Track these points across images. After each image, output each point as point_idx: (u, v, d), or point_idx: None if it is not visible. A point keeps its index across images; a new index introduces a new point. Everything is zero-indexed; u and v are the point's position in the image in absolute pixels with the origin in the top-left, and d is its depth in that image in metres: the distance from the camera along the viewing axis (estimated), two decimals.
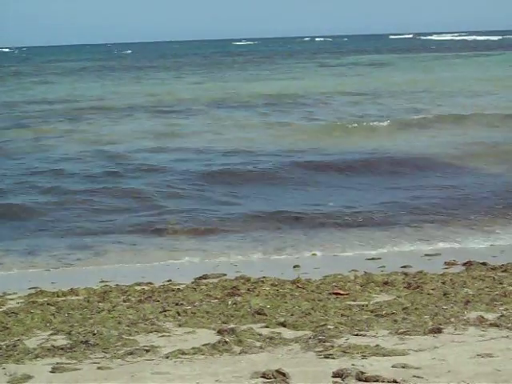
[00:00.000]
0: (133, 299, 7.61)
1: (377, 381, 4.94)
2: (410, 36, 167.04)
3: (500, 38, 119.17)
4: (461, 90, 31.85)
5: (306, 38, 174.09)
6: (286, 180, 15.36)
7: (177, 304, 7.29)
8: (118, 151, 19.04)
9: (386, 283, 7.97)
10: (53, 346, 5.98)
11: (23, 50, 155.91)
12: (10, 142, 21.03)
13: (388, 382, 4.92)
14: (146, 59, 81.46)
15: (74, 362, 5.62)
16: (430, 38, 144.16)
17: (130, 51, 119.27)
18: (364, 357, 5.48)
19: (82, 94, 35.28)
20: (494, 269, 8.58)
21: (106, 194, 14.24)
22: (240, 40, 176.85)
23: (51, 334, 6.39)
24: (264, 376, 5.09)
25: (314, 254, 9.97)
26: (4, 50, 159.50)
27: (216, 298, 7.51)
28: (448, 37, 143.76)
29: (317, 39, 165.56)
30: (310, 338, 6.05)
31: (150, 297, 7.66)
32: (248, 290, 7.81)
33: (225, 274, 8.80)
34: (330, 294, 7.58)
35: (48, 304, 7.47)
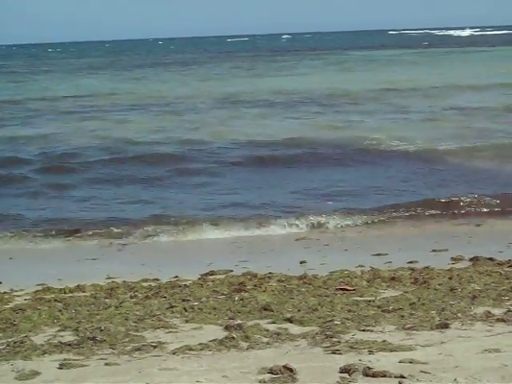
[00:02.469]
0: (140, 295, 7.62)
1: (384, 376, 4.94)
2: (423, 32, 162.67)
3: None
4: None
5: (307, 35, 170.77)
6: None
7: (184, 300, 7.30)
8: None
9: (392, 279, 7.96)
10: (60, 343, 6.00)
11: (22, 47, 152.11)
12: None
13: (395, 377, 4.92)
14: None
15: (82, 358, 5.63)
16: (446, 33, 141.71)
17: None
18: (371, 352, 5.48)
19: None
20: (500, 264, 8.56)
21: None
22: (231, 37, 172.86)
23: (58, 331, 6.40)
24: (271, 372, 5.10)
25: None
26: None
27: (223, 294, 7.51)
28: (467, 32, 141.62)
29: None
30: (316, 333, 6.05)
31: (157, 293, 7.67)
32: (255, 285, 7.81)
33: (231, 270, 8.80)
34: (336, 289, 7.58)
35: (55, 300, 7.48)
